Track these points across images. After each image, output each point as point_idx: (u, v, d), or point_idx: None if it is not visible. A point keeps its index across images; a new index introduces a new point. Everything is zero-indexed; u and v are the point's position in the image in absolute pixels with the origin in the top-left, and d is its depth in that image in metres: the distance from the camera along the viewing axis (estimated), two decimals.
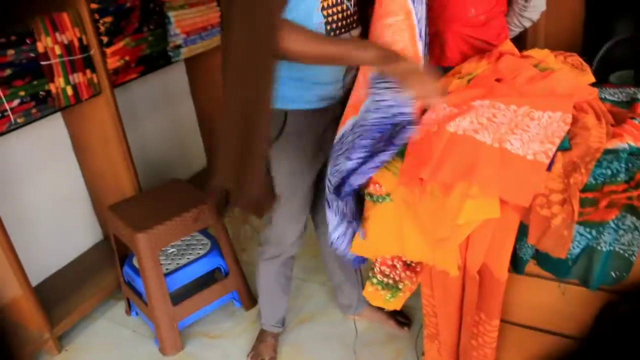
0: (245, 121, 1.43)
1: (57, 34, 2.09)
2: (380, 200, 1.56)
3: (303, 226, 1.87)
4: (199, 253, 2.21)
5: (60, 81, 2.12)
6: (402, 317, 2.16)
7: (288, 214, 1.82)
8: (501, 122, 1.38)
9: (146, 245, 1.97)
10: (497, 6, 1.91)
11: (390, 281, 1.66)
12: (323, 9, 1.47)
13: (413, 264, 1.67)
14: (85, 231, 2.68)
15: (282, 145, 1.65)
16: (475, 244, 1.43)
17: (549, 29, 2.58)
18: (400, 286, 1.68)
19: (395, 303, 1.71)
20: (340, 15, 1.51)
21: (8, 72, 1.95)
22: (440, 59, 1.95)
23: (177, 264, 2.16)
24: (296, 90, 1.58)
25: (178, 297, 2.13)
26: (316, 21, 1.47)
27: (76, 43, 2.16)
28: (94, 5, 2.21)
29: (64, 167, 2.55)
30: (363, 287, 2.01)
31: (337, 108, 1.65)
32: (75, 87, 2.18)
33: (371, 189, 1.57)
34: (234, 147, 1.49)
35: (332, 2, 1.49)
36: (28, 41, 2.00)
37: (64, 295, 2.37)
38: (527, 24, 2.01)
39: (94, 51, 2.21)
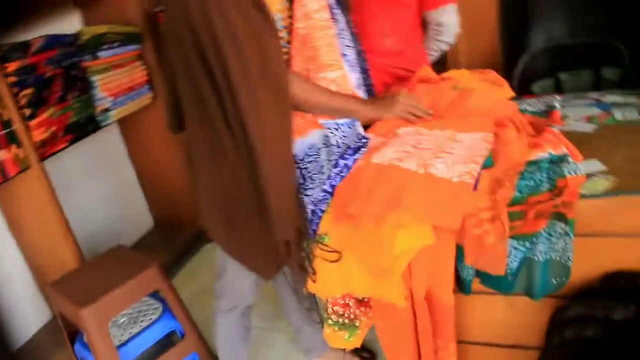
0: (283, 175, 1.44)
1: None
2: (322, 239, 1.55)
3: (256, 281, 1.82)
4: (151, 319, 2.13)
5: None
6: (366, 352, 2.13)
7: (238, 265, 1.78)
8: (426, 148, 1.40)
9: (93, 320, 1.89)
10: (411, 34, 1.96)
11: (346, 320, 1.64)
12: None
13: (366, 299, 1.66)
14: (33, 313, 2.57)
15: None
16: (417, 272, 1.43)
17: (468, 49, 2.66)
18: (357, 324, 1.66)
19: (354, 342, 1.69)
20: None
21: None
22: None
23: (130, 333, 2.08)
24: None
25: None
26: None
27: None
28: (11, 79, 2.16)
29: (0, 248, 2.45)
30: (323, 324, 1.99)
31: None
32: (0, 165, 2.11)
33: None
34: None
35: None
36: None
37: None
38: (444, 47, 2.06)
39: (17, 126, 2.15)
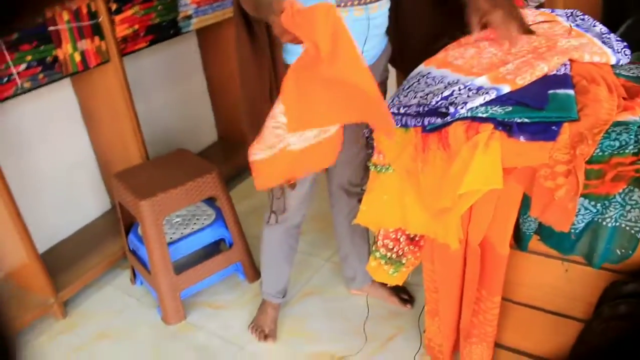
0: None
1: None
2: (383, 171, 1.53)
3: (306, 193, 1.83)
4: (203, 223, 2.20)
5: (68, 47, 2.11)
6: (405, 294, 2.14)
7: (300, 181, 1.79)
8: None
9: (150, 212, 1.96)
10: None
11: (394, 255, 1.64)
12: None
13: (416, 238, 1.65)
14: (93, 200, 2.69)
15: None
16: (477, 217, 1.40)
17: (567, 3, 2.50)
18: (403, 261, 1.66)
19: (398, 278, 1.69)
20: None
21: (15, 36, 1.94)
22: None
23: (181, 233, 2.16)
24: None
25: (181, 267, 2.13)
26: None
27: (84, 9, 2.14)
28: None
29: (72, 135, 2.55)
30: (368, 258, 2.00)
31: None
32: (83, 54, 2.17)
33: (375, 158, 1.55)
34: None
35: None
36: None
37: (70, 263, 2.38)
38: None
39: (103, 18, 2.19)
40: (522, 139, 1.20)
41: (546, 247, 1.41)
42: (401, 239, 1.63)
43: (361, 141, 1.83)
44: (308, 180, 1.81)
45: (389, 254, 1.63)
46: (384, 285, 2.09)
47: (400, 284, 1.71)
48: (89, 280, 2.36)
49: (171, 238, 2.12)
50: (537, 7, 1.96)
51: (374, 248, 1.66)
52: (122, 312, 2.28)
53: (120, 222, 2.28)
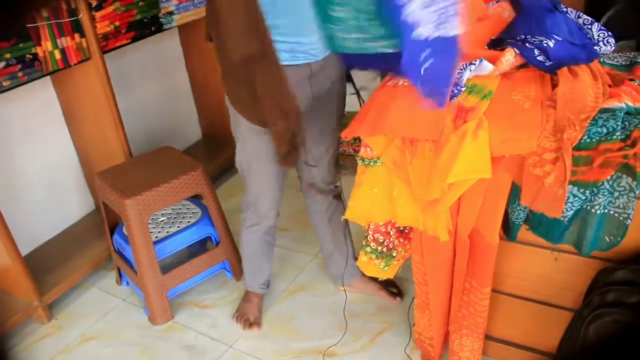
0: None
1: None
2: (371, 164, 1.52)
3: (277, 193, 1.87)
4: (189, 221, 2.18)
5: (47, 45, 2.07)
6: (394, 288, 2.13)
7: (259, 180, 1.83)
8: None
9: (135, 211, 1.93)
10: None
11: (384, 249, 1.63)
12: None
13: (406, 230, 1.64)
14: (76, 200, 2.65)
15: None
16: (466, 207, 1.39)
17: None
18: (394, 254, 1.65)
19: (389, 272, 1.69)
20: None
21: None
22: None
23: (167, 231, 2.13)
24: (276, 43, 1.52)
25: (168, 267, 2.10)
26: None
27: (64, 6, 2.10)
28: None
29: (54, 135, 2.50)
30: (355, 258, 1.99)
31: (316, 67, 1.61)
32: (63, 52, 2.13)
33: (362, 152, 1.54)
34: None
35: None
36: None
37: (54, 265, 2.34)
38: None
39: (83, 15, 2.16)
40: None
41: (535, 237, 1.41)
42: (391, 232, 1.62)
43: (328, 138, 1.84)
44: (279, 180, 1.83)
45: (379, 248, 1.62)
46: (372, 279, 2.08)
47: (392, 277, 1.71)
48: (74, 282, 2.32)
49: (157, 237, 2.09)
50: None
51: (364, 243, 1.64)
52: (109, 314, 2.25)
53: (104, 222, 2.25)
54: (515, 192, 1.33)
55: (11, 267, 2.09)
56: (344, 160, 2.94)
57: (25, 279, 2.12)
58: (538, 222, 1.31)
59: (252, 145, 1.75)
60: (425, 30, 1.20)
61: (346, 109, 1.92)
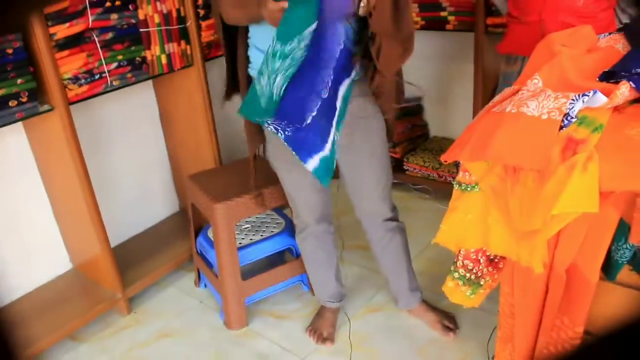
0: None
1: (158, 3, 2.14)
2: (468, 189, 1.50)
3: (311, 198, 1.87)
4: (272, 231, 2.20)
5: (156, 49, 2.17)
6: (450, 323, 2.06)
7: (288, 183, 1.87)
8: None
9: (223, 216, 1.98)
10: None
11: (472, 276, 1.59)
12: None
13: (496, 259, 1.60)
14: (163, 200, 2.75)
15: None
16: (566, 240, 1.34)
17: None
18: (481, 282, 1.61)
19: (474, 300, 1.64)
20: None
21: (110, 35, 2.01)
22: None
23: (250, 239, 2.17)
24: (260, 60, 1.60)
25: (247, 274, 2.13)
26: None
27: (174, 13, 2.21)
28: None
29: (149, 135, 2.62)
30: (414, 287, 2.04)
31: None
32: (169, 57, 2.23)
33: (460, 177, 1.52)
34: None
35: None
36: (130, 7, 2.06)
37: (138, 260, 2.43)
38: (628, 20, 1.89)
39: (191, 23, 2.25)
40: None
41: (638, 279, 1.34)
42: (481, 260, 1.58)
43: (375, 162, 1.83)
44: (306, 186, 1.83)
45: (467, 275, 1.59)
46: (431, 309, 2.08)
47: (476, 306, 1.66)
48: (155, 279, 2.40)
49: (240, 243, 2.13)
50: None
51: (452, 268, 1.61)
52: (185, 313, 2.30)
53: (191, 223, 2.31)
54: (621, 230, 1.27)
55: (101, 257, 2.19)
56: (426, 184, 2.91)
57: (112, 271, 2.21)
58: None
59: (272, 145, 1.80)
60: None
61: None
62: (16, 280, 2.26)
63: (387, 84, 1.71)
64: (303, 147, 1.61)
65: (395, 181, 2.82)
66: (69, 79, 1.94)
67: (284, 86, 1.49)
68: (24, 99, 1.85)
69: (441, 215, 1.62)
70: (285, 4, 1.41)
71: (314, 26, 1.43)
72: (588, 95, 1.37)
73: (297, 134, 1.59)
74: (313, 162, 1.61)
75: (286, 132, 1.59)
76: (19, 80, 1.82)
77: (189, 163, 2.55)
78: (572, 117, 1.34)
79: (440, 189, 2.81)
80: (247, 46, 1.72)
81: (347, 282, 2.27)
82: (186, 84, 2.38)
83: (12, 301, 2.26)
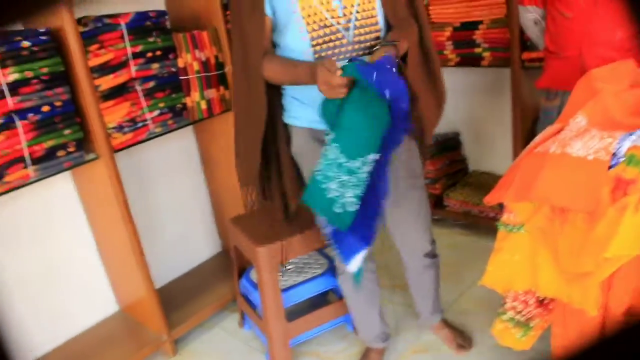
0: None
1: (197, 51, 2.20)
2: (514, 230, 1.47)
3: None
4: (315, 272, 2.20)
5: (196, 95, 2.23)
6: (463, 341, 2.11)
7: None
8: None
9: (266, 259, 1.99)
10: None
11: (522, 319, 1.56)
12: (311, 36, 1.55)
13: (545, 301, 1.56)
14: (205, 242, 2.78)
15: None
16: (621, 282, 1.30)
17: None
18: (531, 324, 1.57)
19: (525, 343, 1.60)
20: (329, 42, 1.56)
21: (151, 84, 2.07)
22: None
23: (294, 280, 2.16)
24: (299, 108, 1.69)
25: (291, 315, 2.13)
26: (305, 48, 1.57)
27: (212, 60, 2.26)
28: (230, 26, 2.31)
29: (191, 178, 2.66)
30: (439, 310, 2.10)
31: None
32: (209, 102, 2.28)
33: (505, 218, 1.50)
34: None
35: (317, 26, 1.55)
36: (171, 56, 2.12)
37: (183, 301, 2.45)
38: None
39: (228, 69, 2.30)
40: None
41: None
42: (530, 302, 1.55)
43: (415, 194, 1.84)
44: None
45: (517, 317, 1.55)
46: (447, 326, 2.14)
47: (528, 348, 1.62)
48: (200, 320, 2.41)
49: (284, 285, 2.13)
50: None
51: (500, 310, 1.58)
52: (230, 355, 2.30)
53: (234, 265, 2.33)
54: None
55: (146, 298, 2.22)
56: (467, 220, 2.87)
57: (157, 312, 2.23)
58: None
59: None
60: None
61: None
62: (65, 322, 2.31)
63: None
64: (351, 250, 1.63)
65: (436, 217, 2.82)
66: (113, 128, 2.00)
67: (356, 205, 1.52)
68: (72, 149, 1.91)
69: (484, 252, 1.60)
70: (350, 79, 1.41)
71: (377, 156, 1.46)
72: (635, 134, 1.35)
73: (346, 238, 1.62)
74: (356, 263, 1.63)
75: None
76: (66, 131, 1.89)
77: (230, 205, 2.58)
78: (619, 157, 1.32)
79: (482, 225, 2.77)
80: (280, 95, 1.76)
81: (391, 322, 2.24)
82: (225, 128, 2.41)
83: (61, 344, 2.30)
